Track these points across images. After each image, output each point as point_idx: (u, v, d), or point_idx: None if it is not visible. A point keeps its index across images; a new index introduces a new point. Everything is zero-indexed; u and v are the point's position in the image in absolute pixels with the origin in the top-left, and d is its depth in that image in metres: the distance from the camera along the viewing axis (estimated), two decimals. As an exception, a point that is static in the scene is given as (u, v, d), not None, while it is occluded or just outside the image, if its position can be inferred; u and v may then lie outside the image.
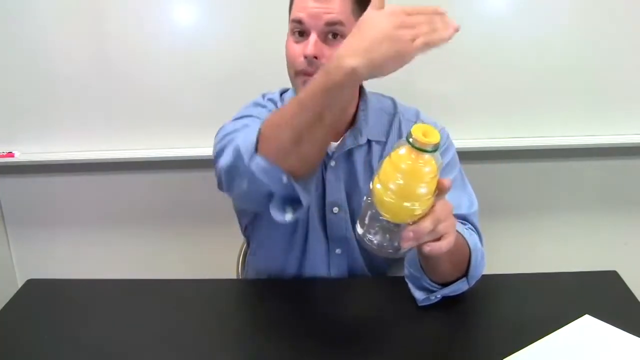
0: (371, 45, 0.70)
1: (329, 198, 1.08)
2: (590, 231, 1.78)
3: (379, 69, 0.71)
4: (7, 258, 1.87)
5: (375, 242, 0.76)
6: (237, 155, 0.83)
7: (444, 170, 1.05)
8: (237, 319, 0.95)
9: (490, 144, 1.60)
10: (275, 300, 1.02)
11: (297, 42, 0.97)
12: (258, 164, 0.81)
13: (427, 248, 0.76)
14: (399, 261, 1.19)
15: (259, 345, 0.89)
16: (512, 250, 1.74)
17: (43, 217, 1.82)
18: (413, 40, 0.69)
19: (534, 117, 1.59)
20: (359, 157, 1.08)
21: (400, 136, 1.09)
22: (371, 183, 0.74)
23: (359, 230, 0.78)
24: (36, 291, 1.08)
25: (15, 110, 1.62)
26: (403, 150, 0.70)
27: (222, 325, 0.94)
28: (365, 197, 0.77)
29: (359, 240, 0.78)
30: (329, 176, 1.08)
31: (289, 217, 0.85)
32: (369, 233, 0.76)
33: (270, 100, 1.11)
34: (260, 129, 0.82)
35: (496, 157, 1.66)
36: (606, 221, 1.77)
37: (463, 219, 1.01)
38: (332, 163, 1.07)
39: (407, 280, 0.99)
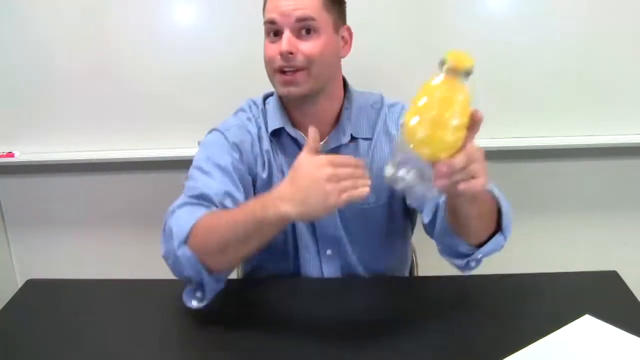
0: (305, 198, 0.79)
1: None
2: (590, 231, 1.77)
3: (307, 217, 0.83)
4: (7, 258, 1.87)
5: (406, 180, 0.74)
6: (170, 237, 0.93)
7: None
8: (237, 318, 0.95)
9: (490, 144, 1.60)
10: (272, 299, 1.02)
11: (272, 42, 1.00)
12: (184, 252, 0.90)
13: (461, 185, 0.74)
14: (398, 261, 1.19)
15: (257, 345, 0.89)
16: (512, 250, 1.73)
17: (43, 217, 1.81)
18: (338, 194, 0.77)
19: (534, 117, 1.59)
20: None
21: (387, 131, 1.09)
22: (402, 119, 0.73)
23: (389, 171, 0.75)
24: (36, 291, 1.08)
25: (15, 110, 1.62)
26: (436, 80, 0.70)
27: (221, 325, 0.93)
28: (395, 139, 0.75)
29: (389, 183, 0.76)
30: None
31: (194, 304, 0.93)
32: (399, 172, 0.74)
33: (254, 103, 1.14)
34: (194, 225, 0.91)
35: (496, 157, 1.66)
36: (606, 221, 1.77)
37: None
38: None
39: (443, 255, 0.99)
